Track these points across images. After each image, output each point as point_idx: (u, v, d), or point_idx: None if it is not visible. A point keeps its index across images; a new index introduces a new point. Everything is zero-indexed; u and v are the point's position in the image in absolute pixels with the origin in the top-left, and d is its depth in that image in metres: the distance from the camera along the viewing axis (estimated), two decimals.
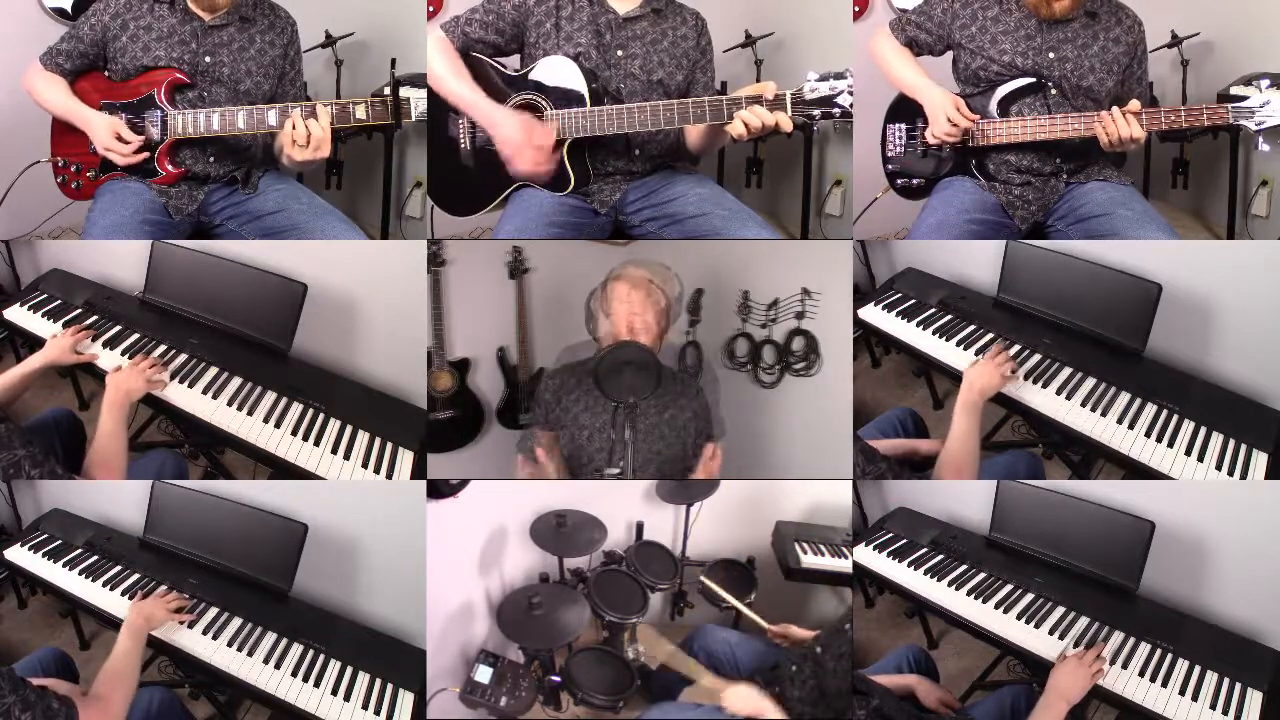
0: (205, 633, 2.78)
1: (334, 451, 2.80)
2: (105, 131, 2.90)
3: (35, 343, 2.98)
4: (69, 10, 3.43)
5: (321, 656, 2.78)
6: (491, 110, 2.89)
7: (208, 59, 2.93)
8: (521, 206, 2.94)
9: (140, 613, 2.67)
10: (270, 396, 2.85)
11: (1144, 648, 2.77)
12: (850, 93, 2.71)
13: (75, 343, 2.85)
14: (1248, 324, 2.95)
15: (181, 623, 2.76)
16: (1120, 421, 2.80)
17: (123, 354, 2.87)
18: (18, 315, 2.98)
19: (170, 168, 2.94)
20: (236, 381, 2.86)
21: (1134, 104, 2.82)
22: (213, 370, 2.87)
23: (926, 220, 2.97)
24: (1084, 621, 2.81)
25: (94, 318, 2.96)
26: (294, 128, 2.81)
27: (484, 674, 2.82)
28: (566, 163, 2.89)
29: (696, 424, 2.93)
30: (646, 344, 2.78)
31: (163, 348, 2.90)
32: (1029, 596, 2.87)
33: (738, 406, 3.52)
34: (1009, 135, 2.92)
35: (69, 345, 2.84)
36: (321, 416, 2.85)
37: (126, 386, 2.73)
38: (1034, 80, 2.91)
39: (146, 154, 2.91)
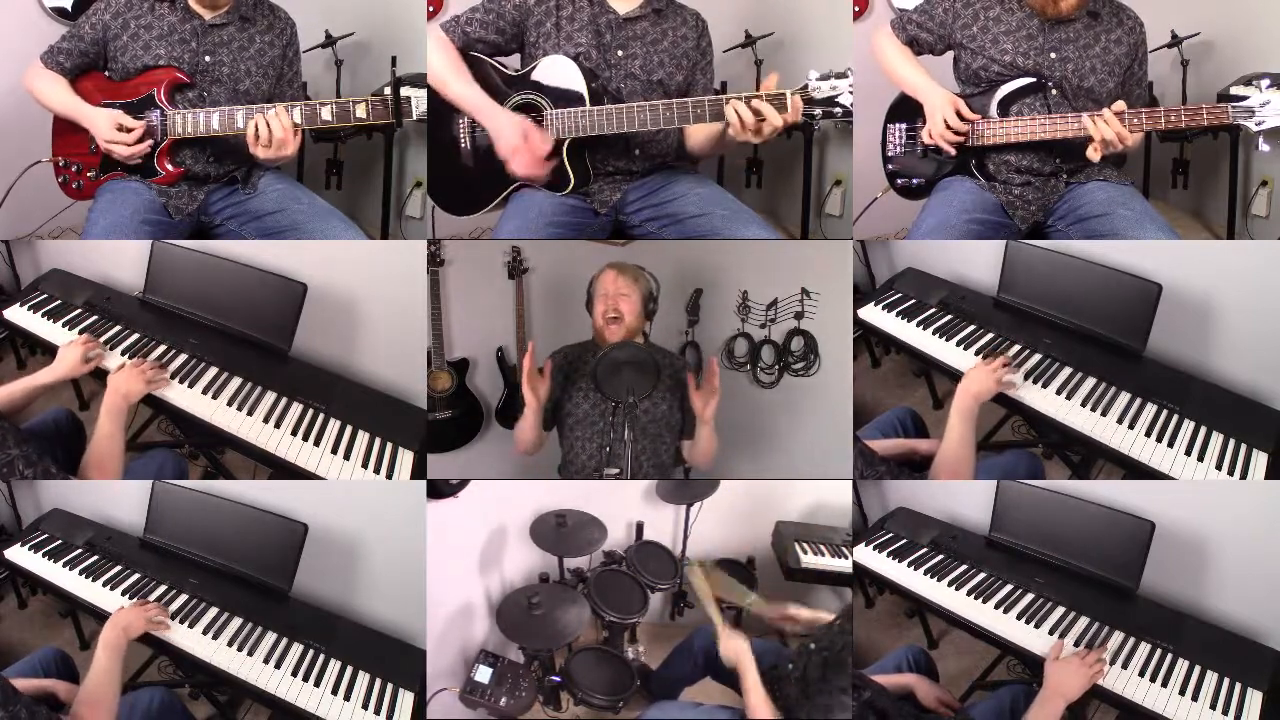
0: (205, 633, 2.77)
1: (334, 451, 2.79)
2: (107, 125, 2.90)
3: (35, 343, 2.99)
4: (69, 10, 3.43)
5: (321, 656, 2.77)
6: (492, 112, 2.89)
7: (207, 58, 2.93)
8: (521, 206, 2.94)
9: (115, 625, 2.63)
10: (270, 396, 2.85)
11: (1144, 648, 2.77)
12: (851, 92, 2.71)
13: (85, 352, 2.79)
14: (1248, 324, 2.95)
15: (160, 633, 2.73)
16: (1120, 421, 2.80)
17: (123, 354, 2.87)
18: (18, 315, 2.98)
19: (170, 167, 2.94)
20: (236, 381, 2.86)
21: (1118, 105, 2.81)
22: (213, 370, 2.87)
23: (926, 220, 2.97)
24: (1084, 621, 2.81)
25: (94, 318, 2.96)
26: (256, 127, 2.82)
27: (484, 674, 2.83)
28: (566, 163, 2.89)
29: (683, 390, 3.01)
30: (630, 322, 2.93)
31: (163, 348, 2.90)
32: (1029, 596, 2.87)
33: (737, 407, 3.52)
34: (1009, 135, 2.92)
35: (79, 358, 2.78)
36: (321, 416, 2.85)
37: (125, 389, 2.72)
38: (1034, 80, 2.91)
39: (150, 143, 2.91)
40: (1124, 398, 2.85)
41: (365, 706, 2.70)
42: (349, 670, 2.76)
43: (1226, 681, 2.72)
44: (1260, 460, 2.76)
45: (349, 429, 2.84)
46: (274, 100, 2.96)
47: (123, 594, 2.85)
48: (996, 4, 2.96)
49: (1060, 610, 2.83)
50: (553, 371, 2.94)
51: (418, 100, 2.90)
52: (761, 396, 3.59)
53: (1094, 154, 2.82)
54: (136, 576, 2.91)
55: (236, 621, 2.81)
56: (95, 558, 2.96)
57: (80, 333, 2.89)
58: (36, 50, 2.97)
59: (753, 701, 2.53)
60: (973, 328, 3.00)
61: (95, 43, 2.93)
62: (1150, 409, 2.83)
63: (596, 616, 3.04)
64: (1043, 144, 2.92)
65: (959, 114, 2.91)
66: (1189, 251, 3.02)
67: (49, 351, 2.87)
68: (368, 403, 2.94)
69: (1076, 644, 2.75)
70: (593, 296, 3.04)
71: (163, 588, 2.87)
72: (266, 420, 2.81)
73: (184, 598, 2.85)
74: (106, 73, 2.96)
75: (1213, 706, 2.68)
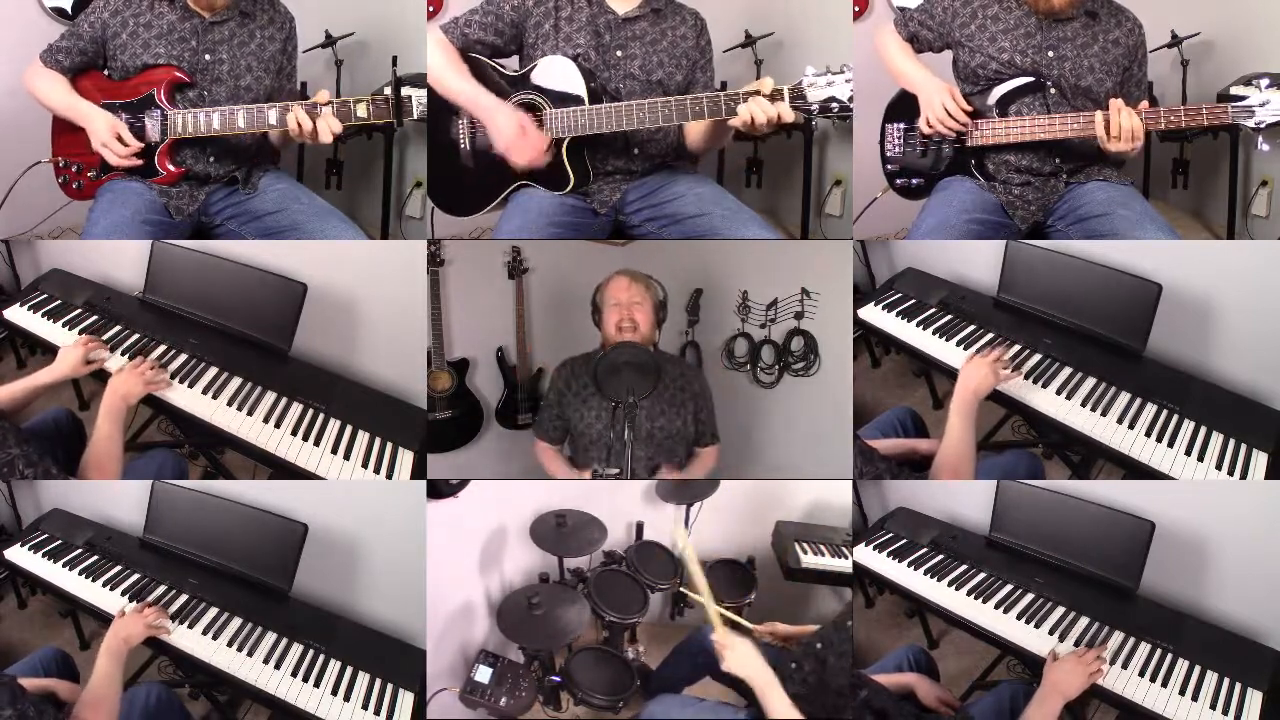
0: (205, 633, 2.77)
1: (334, 451, 2.79)
2: (106, 129, 2.90)
3: (35, 343, 2.99)
4: (69, 10, 3.43)
5: (321, 656, 2.77)
6: (490, 104, 2.90)
7: (208, 56, 2.93)
8: (521, 206, 2.94)
9: (118, 633, 2.64)
10: (270, 396, 2.85)
11: (1144, 648, 2.77)
12: (849, 84, 2.71)
13: (86, 353, 2.79)
14: (1248, 324, 2.95)
15: (161, 636, 2.74)
16: (1120, 421, 2.80)
17: (123, 354, 2.87)
18: (18, 315, 2.97)
19: (170, 167, 2.94)
20: (236, 381, 2.86)
21: (1143, 105, 2.82)
22: (213, 370, 2.87)
23: (926, 220, 2.97)
24: (1084, 621, 2.81)
25: (94, 318, 2.96)
26: (299, 124, 2.81)
27: (484, 674, 2.83)
28: (566, 163, 2.89)
29: (696, 402, 3.04)
30: (645, 331, 2.97)
31: (163, 348, 2.90)
32: (1029, 596, 2.87)
33: (737, 407, 3.52)
34: (1008, 135, 2.92)
35: (79, 358, 2.77)
36: (321, 416, 2.85)
37: (124, 391, 2.71)
38: (1033, 79, 2.91)
39: (140, 162, 2.91)
40: (1124, 398, 2.85)
41: (365, 707, 2.70)
42: (349, 670, 2.76)
43: (1226, 681, 2.72)
44: (1260, 460, 2.76)
45: (349, 429, 2.84)
46: (275, 97, 2.97)
47: (123, 594, 2.85)
48: (995, 2, 2.96)
49: (1060, 610, 2.83)
50: (563, 380, 2.99)
51: (418, 100, 2.90)
52: (761, 396, 3.59)
53: (1109, 144, 2.81)
54: (136, 576, 2.91)
55: (236, 621, 2.81)
56: (95, 558, 2.96)
57: (80, 333, 2.89)
58: (36, 50, 2.97)
59: (775, 705, 2.41)
60: (973, 328, 3.00)
61: (94, 41, 2.93)
62: (1150, 409, 2.83)
63: (596, 616, 3.04)
64: (1043, 144, 2.92)
65: (954, 100, 2.92)
66: (1189, 251, 3.02)
67: (49, 351, 2.87)
68: (368, 403, 2.94)
69: (1076, 644, 2.75)
70: (601, 305, 3.04)
71: (163, 588, 2.87)
72: (266, 420, 2.81)
73: (184, 598, 2.85)
74: (106, 71, 2.96)
75: (1213, 706, 2.68)
